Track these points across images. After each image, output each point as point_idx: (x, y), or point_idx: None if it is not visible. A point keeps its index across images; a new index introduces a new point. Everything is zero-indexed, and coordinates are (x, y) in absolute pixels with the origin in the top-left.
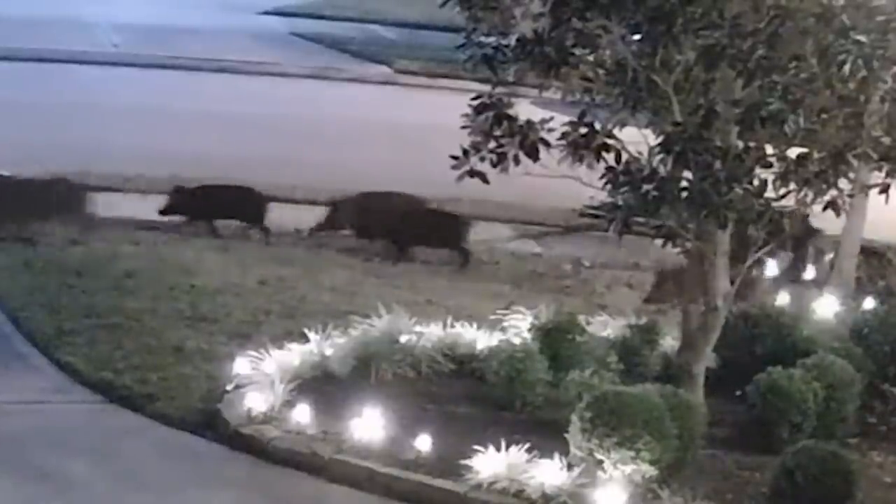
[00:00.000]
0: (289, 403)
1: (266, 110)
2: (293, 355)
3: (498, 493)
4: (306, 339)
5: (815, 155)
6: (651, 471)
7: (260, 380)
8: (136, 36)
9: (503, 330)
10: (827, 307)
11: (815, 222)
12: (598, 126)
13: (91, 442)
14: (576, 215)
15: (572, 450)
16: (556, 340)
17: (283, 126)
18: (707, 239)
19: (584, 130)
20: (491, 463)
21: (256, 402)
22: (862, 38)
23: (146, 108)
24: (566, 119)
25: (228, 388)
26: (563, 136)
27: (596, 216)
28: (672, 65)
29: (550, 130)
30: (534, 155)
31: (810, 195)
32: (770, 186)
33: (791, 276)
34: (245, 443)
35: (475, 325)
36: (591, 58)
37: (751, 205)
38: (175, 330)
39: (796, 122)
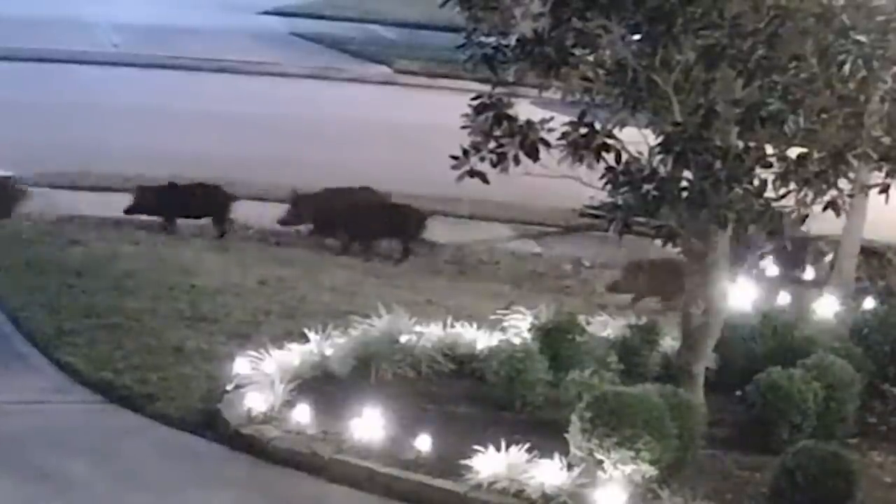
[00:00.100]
0: (289, 403)
1: (266, 110)
2: (293, 355)
3: (498, 493)
4: (306, 339)
5: (815, 155)
6: (651, 471)
7: (260, 380)
8: (136, 36)
9: (503, 330)
10: (827, 307)
11: (815, 222)
12: (598, 126)
13: (91, 442)
14: (576, 215)
15: (572, 450)
16: (556, 340)
17: (283, 126)
18: (707, 239)
19: (584, 130)
20: (491, 463)
21: (256, 402)
22: (862, 38)
23: (146, 108)
24: (566, 119)
25: (228, 388)
26: (563, 136)
27: (596, 216)
28: (672, 65)
29: (550, 130)
30: (534, 155)
31: (810, 195)
32: (770, 186)
33: (791, 276)
34: (245, 443)
35: (475, 325)
36: (591, 58)
37: (751, 205)
38: (175, 330)
39: (796, 122)
